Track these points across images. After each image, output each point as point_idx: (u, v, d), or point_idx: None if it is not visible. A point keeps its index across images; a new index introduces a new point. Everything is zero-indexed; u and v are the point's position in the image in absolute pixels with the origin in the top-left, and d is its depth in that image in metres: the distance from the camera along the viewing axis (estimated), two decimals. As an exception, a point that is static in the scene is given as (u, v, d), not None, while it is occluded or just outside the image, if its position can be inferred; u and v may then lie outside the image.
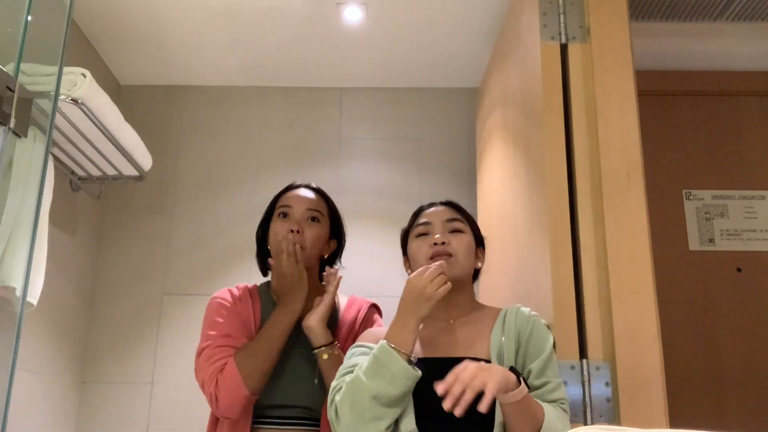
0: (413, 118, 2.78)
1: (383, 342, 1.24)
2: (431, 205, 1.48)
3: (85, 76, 1.88)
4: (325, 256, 1.64)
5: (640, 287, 1.42)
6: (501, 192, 2.08)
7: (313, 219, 1.58)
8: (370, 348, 1.31)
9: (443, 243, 1.36)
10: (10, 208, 1.42)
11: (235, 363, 1.43)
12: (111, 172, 2.31)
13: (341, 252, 1.70)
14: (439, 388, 1.09)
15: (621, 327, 1.40)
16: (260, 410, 1.49)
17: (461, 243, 1.39)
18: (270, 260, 1.54)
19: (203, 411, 1.55)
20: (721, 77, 2.50)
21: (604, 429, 0.95)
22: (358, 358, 1.31)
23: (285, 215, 1.58)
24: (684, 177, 2.41)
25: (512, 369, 1.16)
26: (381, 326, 1.59)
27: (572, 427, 1.18)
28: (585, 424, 1.36)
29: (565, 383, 1.38)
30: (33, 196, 1.42)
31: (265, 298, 1.62)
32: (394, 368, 1.19)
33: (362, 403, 1.19)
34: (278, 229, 1.56)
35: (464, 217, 1.46)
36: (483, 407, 1.06)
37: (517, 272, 1.81)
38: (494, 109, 2.25)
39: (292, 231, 1.52)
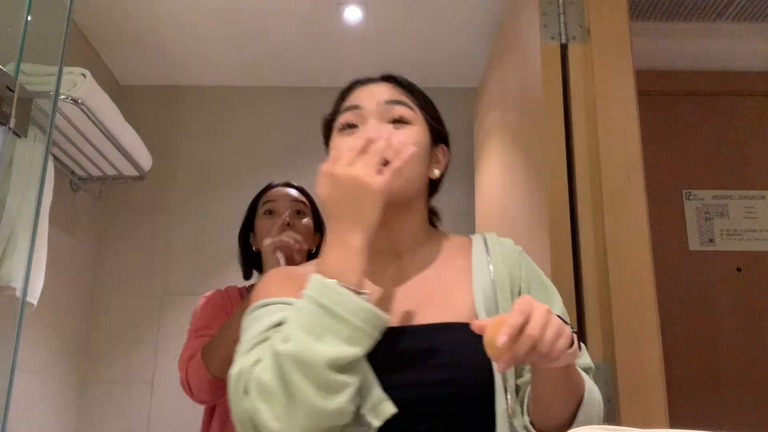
0: (413, 118, 2.78)
1: (318, 278, 0.79)
2: (366, 81, 1.02)
3: (85, 76, 1.88)
4: (313, 250, 1.65)
5: (640, 287, 1.42)
6: (500, 192, 2.08)
7: (299, 213, 1.61)
8: (287, 302, 0.85)
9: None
10: (10, 208, 1.42)
11: (201, 349, 1.46)
12: (111, 172, 2.31)
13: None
14: (491, 326, 0.71)
15: (621, 327, 1.39)
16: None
17: (407, 136, 0.95)
18: (273, 254, 1.47)
19: (203, 411, 1.56)
20: (721, 77, 2.49)
21: (604, 429, 0.95)
22: (273, 316, 0.84)
23: (271, 212, 1.60)
24: (684, 177, 2.41)
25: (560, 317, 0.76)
26: None
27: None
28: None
29: (565, 383, 1.38)
30: (33, 196, 1.42)
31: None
32: (351, 312, 0.76)
33: (309, 376, 0.73)
34: (267, 226, 1.57)
35: (415, 98, 1.02)
36: (528, 362, 0.73)
37: (517, 272, 1.80)
38: (493, 109, 2.25)
39: (289, 225, 1.54)
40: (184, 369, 1.49)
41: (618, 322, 1.40)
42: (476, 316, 0.88)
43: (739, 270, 2.31)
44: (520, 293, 0.94)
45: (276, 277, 0.95)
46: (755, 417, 2.15)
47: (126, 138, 2.16)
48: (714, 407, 2.17)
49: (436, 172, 1.05)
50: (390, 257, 0.97)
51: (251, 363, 0.78)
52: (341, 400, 0.75)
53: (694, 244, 2.35)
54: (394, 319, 0.87)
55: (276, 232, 1.53)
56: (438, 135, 1.07)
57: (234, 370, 0.80)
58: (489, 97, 2.35)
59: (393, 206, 0.89)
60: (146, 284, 2.57)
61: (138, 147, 2.25)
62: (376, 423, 0.78)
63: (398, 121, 0.96)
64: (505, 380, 0.85)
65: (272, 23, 2.40)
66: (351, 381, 0.76)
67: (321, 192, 0.85)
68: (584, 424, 0.82)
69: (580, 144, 1.55)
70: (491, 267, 0.93)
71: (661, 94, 2.45)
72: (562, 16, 1.66)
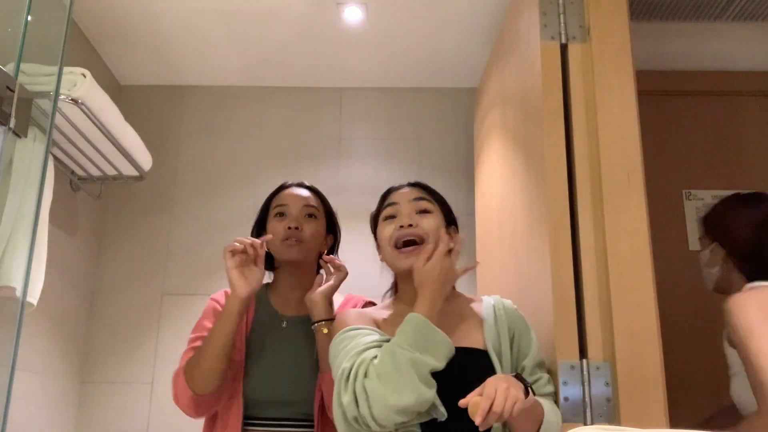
0: (413, 118, 2.78)
1: (417, 315, 1.19)
2: (399, 186, 1.45)
3: (85, 76, 1.88)
4: (324, 252, 1.66)
5: (640, 287, 1.42)
6: (500, 192, 2.08)
7: (310, 216, 1.60)
8: (374, 330, 1.26)
9: (410, 225, 1.33)
10: (10, 208, 1.42)
11: (185, 364, 1.45)
12: (111, 172, 2.31)
13: (337, 246, 1.72)
14: (471, 406, 1.07)
15: (621, 327, 1.40)
16: (251, 409, 1.47)
17: (431, 223, 1.34)
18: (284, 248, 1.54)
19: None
20: (721, 77, 2.50)
21: (604, 429, 0.95)
22: (366, 338, 1.23)
23: (282, 214, 1.59)
24: (684, 177, 2.41)
25: (517, 376, 1.16)
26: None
27: (572, 427, 1.18)
28: (585, 424, 1.36)
29: (565, 383, 1.39)
30: (33, 196, 1.42)
31: (263, 302, 1.61)
32: (436, 340, 1.16)
33: (410, 371, 1.12)
34: (277, 228, 1.57)
35: (432, 196, 1.42)
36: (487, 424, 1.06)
37: (517, 272, 1.81)
38: (493, 108, 2.25)
39: (290, 228, 1.54)
40: (172, 382, 1.48)
41: (618, 322, 1.40)
42: (485, 346, 1.30)
43: (739, 270, 2.31)
44: (515, 336, 1.34)
45: (350, 314, 1.34)
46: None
47: (126, 138, 2.16)
48: (714, 407, 2.17)
49: (452, 245, 1.34)
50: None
51: (370, 357, 1.17)
52: (433, 392, 1.15)
53: (694, 244, 2.35)
54: None
55: (283, 234, 1.55)
56: (449, 220, 1.43)
57: (355, 361, 1.17)
58: (489, 97, 2.35)
59: None
60: (146, 284, 2.57)
61: (138, 147, 2.25)
62: (440, 418, 1.18)
63: (424, 211, 1.37)
64: None
65: (272, 23, 2.40)
66: (434, 384, 1.16)
67: (423, 276, 1.26)
68: None
69: (580, 144, 1.55)
70: (498, 331, 1.33)
71: (661, 94, 2.45)
72: (562, 15, 1.66)
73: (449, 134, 2.76)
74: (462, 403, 1.08)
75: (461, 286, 1.44)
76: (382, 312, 1.39)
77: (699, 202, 2.39)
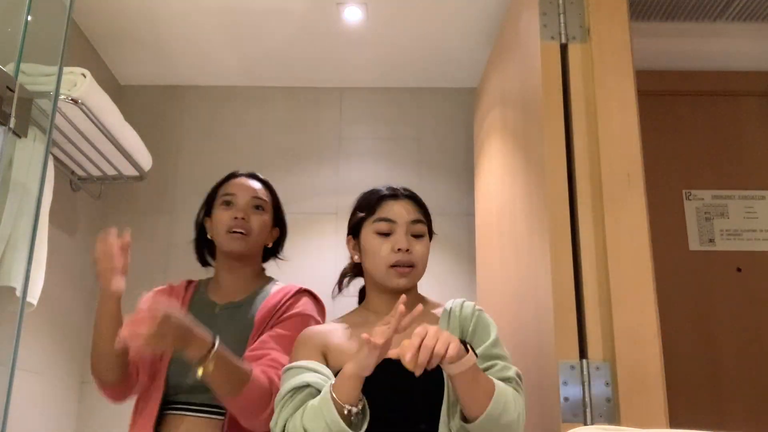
0: (412, 118, 2.78)
1: (327, 391, 1.18)
2: (394, 196, 1.42)
3: (85, 76, 1.88)
4: (269, 245, 1.64)
5: (640, 287, 1.42)
6: (500, 192, 2.08)
7: (258, 207, 1.58)
8: (310, 368, 1.28)
9: (407, 250, 1.36)
10: (10, 208, 1.42)
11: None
12: (111, 172, 2.31)
13: (284, 241, 1.69)
14: (405, 350, 1.08)
15: (621, 327, 1.40)
16: (172, 394, 1.46)
17: (423, 249, 1.39)
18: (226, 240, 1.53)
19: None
20: (721, 77, 2.49)
21: (604, 429, 0.95)
22: (297, 379, 1.26)
23: (229, 203, 1.58)
24: (684, 177, 2.41)
25: (461, 341, 1.15)
26: (307, 313, 1.54)
27: (572, 427, 1.18)
28: (585, 424, 1.36)
29: (565, 383, 1.39)
30: (33, 196, 1.42)
31: (200, 293, 1.61)
32: (329, 419, 1.15)
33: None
34: (222, 217, 1.56)
35: (425, 215, 1.44)
36: (433, 364, 1.08)
37: (517, 272, 1.81)
38: (492, 109, 2.25)
39: (236, 218, 1.53)
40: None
41: (618, 322, 1.40)
42: None
43: (739, 270, 2.31)
44: (468, 334, 1.34)
45: (304, 343, 1.38)
46: (755, 417, 2.15)
47: (126, 138, 2.16)
48: (714, 407, 2.17)
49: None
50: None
51: (282, 414, 1.24)
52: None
53: (694, 244, 2.35)
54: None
55: (229, 224, 1.54)
56: (430, 235, 1.46)
57: (279, 420, 1.23)
58: (489, 97, 2.35)
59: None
60: (146, 284, 2.56)
61: (138, 147, 2.25)
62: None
63: (418, 235, 1.40)
64: (448, 391, 1.25)
65: (272, 23, 2.40)
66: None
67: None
68: (499, 415, 1.16)
69: (580, 144, 1.55)
70: (449, 324, 1.35)
71: (661, 94, 2.45)
72: (562, 16, 1.66)
73: (449, 134, 2.76)
74: (393, 353, 1.10)
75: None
76: (340, 331, 1.39)
77: (699, 202, 2.39)
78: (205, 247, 1.66)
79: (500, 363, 1.28)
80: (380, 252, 1.37)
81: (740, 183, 2.40)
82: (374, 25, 2.41)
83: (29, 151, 1.44)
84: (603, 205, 1.49)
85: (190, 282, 1.67)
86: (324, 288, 2.76)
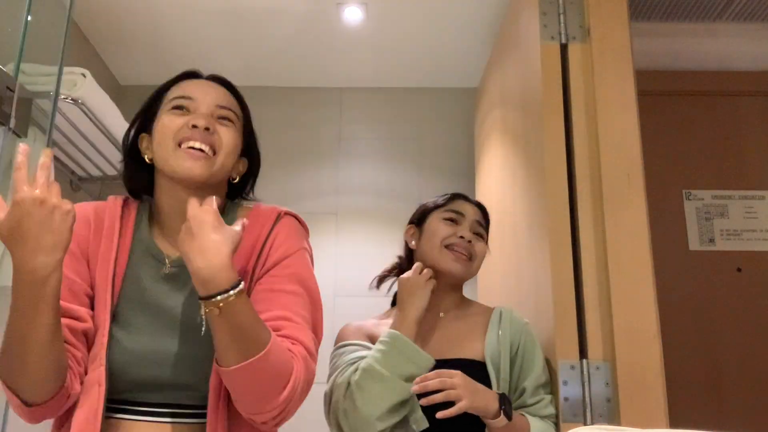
0: (413, 118, 2.78)
1: (392, 332, 1.25)
2: (467, 199, 1.49)
3: (85, 76, 1.88)
4: (234, 180, 1.17)
5: (640, 287, 1.42)
6: (500, 192, 2.08)
7: (224, 119, 1.11)
8: (363, 345, 1.32)
9: (469, 241, 1.39)
10: (10, 208, 1.42)
11: None
12: (111, 172, 2.31)
13: (255, 179, 1.24)
14: (420, 380, 1.19)
15: (621, 327, 1.40)
16: (116, 392, 1.00)
17: (482, 248, 1.44)
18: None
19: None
20: (721, 77, 2.49)
21: (604, 429, 0.95)
22: (353, 355, 1.30)
23: (181, 108, 1.08)
24: (684, 177, 2.41)
25: (502, 396, 1.23)
26: (302, 245, 1.19)
27: (572, 427, 1.18)
28: (585, 424, 1.36)
29: (565, 383, 1.39)
30: (33, 196, 1.41)
31: (141, 232, 1.11)
32: (411, 354, 1.22)
33: (382, 391, 1.20)
34: (172, 124, 1.06)
35: (487, 224, 1.50)
36: (440, 414, 1.16)
37: (517, 272, 1.81)
38: (493, 108, 2.25)
39: (195, 127, 1.05)
40: None
41: (618, 322, 1.40)
42: (484, 357, 1.33)
43: (739, 270, 2.31)
44: (518, 351, 1.35)
45: (349, 328, 1.40)
46: (755, 417, 2.15)
47: (126, 138, 2.16)
48: (714, 407, 2.17)
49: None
50: (434, 318, 1.40)
51: (346, 380, 1.24)
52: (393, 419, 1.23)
53: (694, 244, 2.35)
54: (429, 351, 1.28)
55: (183, 134, 1.05)
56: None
57: (342, 379, 1.25)
58: (489, 97, 2.35)
59: (458, 283, 1.44)
60: (146, 284, 2.57)
61: (138, 147, 2.25)
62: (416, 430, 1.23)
63: (479, 235, 1.47)
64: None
65: (272, 23, 2.40)
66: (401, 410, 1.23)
67: (399, 287, 1.36)
68: None
69: (580, 144, 1.55)
70: (498, 343, 1.34)
71: (661, 94, 2.45)
72: (562, 16, 1.66)
73: (449, 134, 2.76)
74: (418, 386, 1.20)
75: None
76: (381, 324, 1.41)
77: (699, 202, 2.39)
78: (138, 178, 1.13)
79: (545, 399, 1.32)
80: (442, 232, 1.40)
81: (740, 183, 2.40)
82: (374, 25, 2.41)
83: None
84: (603, 205, 1.49)
85: (125, 202, 1.14)
86: (324, 289, 2.75)
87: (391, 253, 1.45)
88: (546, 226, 1.52)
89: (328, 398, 1.29)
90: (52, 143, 2.00)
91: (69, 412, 1.01)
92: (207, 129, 1.06)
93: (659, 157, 2.38)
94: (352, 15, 2.35)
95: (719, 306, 2.27)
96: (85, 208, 1.10)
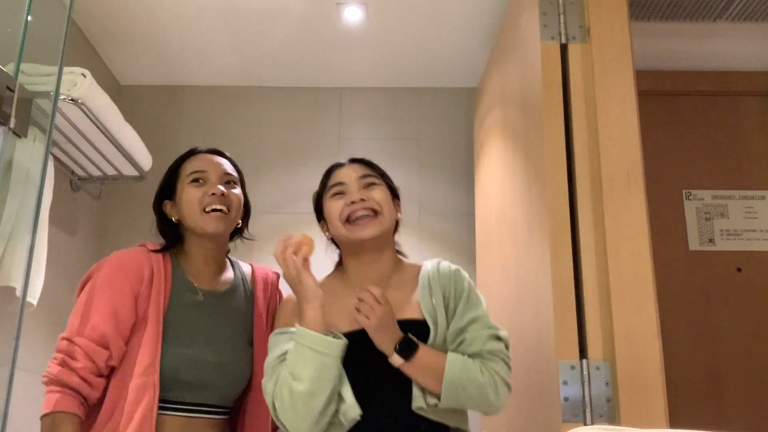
0: (412, 118, 2.78)
1: (298, 329, 1.24)
2: (340, 165, 1.45)
3: (85, 76, 1.88)
4: (239, 225, 1.55)
5: (640, 287, 1.42)
6: (500, 192, 2.08)
7: (230, 183, 1.49)
8: (291, 333, 1.29)
9: (362, 200, 1.35)
10: (10, 208, 1.42)
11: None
12: (111, 172, 2.31)
13: (248, 221, 1.60)
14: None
15: (621, 327, 1.39)
16: (165, 391, 1.32)
17: (380, 195, 1.38)
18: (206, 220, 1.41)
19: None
20: (721, 77, 2.49)
21: (604, 429, 0.95)
22: (282, 348, 1.28)
23: (198, 180, 1.46)
24: (684, 177, 2.41)
25: (405, 338, 1.23)
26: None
27: (572, 427, 1.18)
28: (585, 424, 1.36)
29: (565, 383, 1.39)
30: (33, 196, 1.42)
31: (178, 271, 1.45)
32: (316, 344, 1.20)
33: (299, 406, 1.20)
34: (195, 195, 1.43)
35: (376, 171, 1.45)
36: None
37: (517, 272, 1.81)
38: (493, 108, 2.25)
39: (213, 194, 1.42)
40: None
41: (618, 322, 1.40)
42: (423, 315, 1.31)
43: (739, 270, 2.31)
44: (451, 299, 1.33)
45: (284, 308, 1.39)
46: (755, 417, 2.15)
47: (126, 138, 2.16)
48: (714, 407, 2.17)
49: (398, 215, 1.44)
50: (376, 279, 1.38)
51: (273, 385, 1.24)
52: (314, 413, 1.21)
53: (694, 244, 2.35)
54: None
55: (205, 201, 1.42)
56: (393, 192, 1.46)
57: (270, 382, 1.25)
58: (489, 97, 2.35)
59: (380, 239, 1.37)
60: (146, 284, 2.57)
61: (138, 147, 2.25)
62: (345, 424, 1.22)
63: (371, 185, 1.41)
64: None
65: (272, 23, 2.40)
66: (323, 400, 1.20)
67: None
68: (458, 390, 1.21)
69: (580, 144, 1.55)
70: (433, 300, 1.32)
71: (661, 94, 2.45)
72: (562, 16, 1.66)
73: (449, 134, 2.76)
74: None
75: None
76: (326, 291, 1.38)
77: (699, 202, 2.39)
78: (170, 234, 1.49)
79: (468, 336, 1.28)
80: (334, 211, 1.37)
81: (740, 183, 2.40)
82: (374, 26, 2.41)
83: (29, 151, 1.44)
84: (603, 205, 1.49)
85: (160, 251, 1.46)
86: (324, 288, 2.73)
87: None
88: (546, 226, 1.52)
89: (269, 399, 1.27)
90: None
91: (114, 408, 1.30)
92: (222, 194, 1.44)
93: (659, 157, 2.39)
94: (352, 15, 2.35)
95: (719, 306, 2.27)
96: (140, 258, 1.40)
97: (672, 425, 1.33)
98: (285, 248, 1.29)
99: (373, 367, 1.25)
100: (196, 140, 2.75)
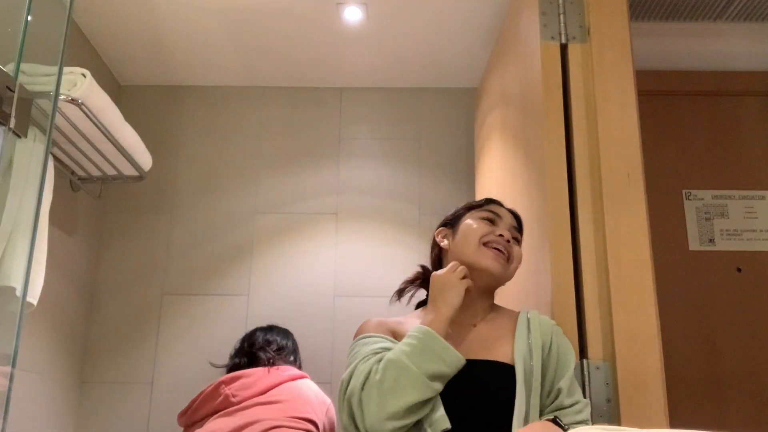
0: (413, 118, 2.78)
1: (424, 327, 1.21)
2: (502, 205, 1.48)
3: (85, 76, 1.88)
4: None
5: (640, 287, 1.42)
6: (500, 192, 2.08)
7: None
8: (387, 338, 1.28)
9: (508, 241, 1.37)
10: (10, 208, 1.42)
11: None
12: (111, 172, 2.31)
13: None
14: None
15: (621, 327, 1.39)
16: None
17: (519, 253, 1.41)
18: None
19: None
20: (721, 77, 2.50)
21: (604, 429, 0.95)
22: (376, 345, 1.26)
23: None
24: (684, 177, 2.41)
25: (555, 420, 1.17)
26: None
27: (572, 427, 1.18)
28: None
29: (565, 383, 1.38)
30: (33, 196, 1.42)
31: None
32: (441, 351, 1.17)
33: (407, 386, 1.13)
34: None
35: (521, 232, 1.47)
36: None
37: (517, 272, 1.80)
38: (493, 108, 2.25)
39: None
40: None
41: (618, 322, 1.40)
42: (513, 360, 1.27)
43: (739, 270, 2.31)
44: (550, 351, 1.30)
45: (370, 323, 1.36)
46: (755, 417, 2.15)
47: (126, 138, 2.16)
48: (714, 407, 2.17)
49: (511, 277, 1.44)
50: (466, 326, 1.37)
51: (367, 369, 1.19)
52: (428, 396, 1.16)
53: (694, 244, 2.35)
54: (465, 355, 1.24)
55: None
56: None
57: (364, 367, 1.20)
58: (489, 97, 2.35)
59: (488, 287, 1.41)
60: (146, 284, 2.57)
61: (138, 147, 2.25)
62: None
63: (515, 239, 1.42)
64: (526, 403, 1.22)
65: (272, 23, 2.40)
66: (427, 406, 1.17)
67: (432, 284, 1.32)
68: None
69: (580, 144, 1.55)
70: (530, 344, 1.29)
71: (661, 94, 2.45)
72: (562, 16, 1.66)
73: (449, 134, 2.76)
74: None
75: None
76: (406, 323, 1.37)
77: (699, 202, 2.39)
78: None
79: (581, 402, 1.24)
80: (480, 230, 1.37)
81: (740, 183, 2.40)
82: (374, 25, 2.41)
83: (29, 151, 1.44)
84: (603, 205, 1.49)
85: None
86: (324, 289, 2.76)
87: (390, 252, 1.44)
88: (546, 226, 1.52)
89: (345, 385, 1.22)
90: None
91: None
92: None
93: (659, 157, 2.39)
94: (352, 15, 2.35)
95: (719, 306, 2.27)
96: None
97: (672, 425, 1.33)
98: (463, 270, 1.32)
99: (469, 397, 1.21)
100: (196, 140, 2.76)
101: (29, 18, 1.20)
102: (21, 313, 1.52)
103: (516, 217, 1.46)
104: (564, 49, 1.63)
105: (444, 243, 1.43)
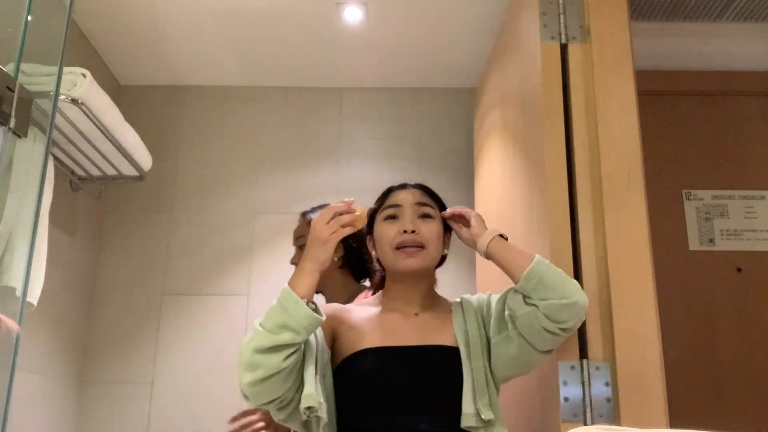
0: (412, 118, 2.78)
1: (284, 286, 1.21)
2: (402, 186, 1.45)
3: (85, 76, 1.88)
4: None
5: (640, 287, 1.42)
6: (500, 192, 2.08)
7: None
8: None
9: (413, 231, 1.35)
10: (10, 208, 1.42)
11: None
12: (111, 172, 2.31)
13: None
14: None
15: (621, 327, 1.39)
16: None
17: (431, 231, 1.38)
18: None
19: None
20: (721, 77, 2.49)
21: (604, 429, 0.95)
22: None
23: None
24: (684, 177, 2.41)
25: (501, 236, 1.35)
26: None
27: (572, 427, 1.18)
28: (585, 424, 1.36)
29: (565, 383, 1.39)
30: (33, 196, 1.42)
31: None
32: (289, 305, 1.16)
33: (258, 334, 1.15)
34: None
35: (435, 201, 1.44)
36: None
37: (517, 272, 1.80)
38: (492, 108, 2.25)
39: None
40: None
41: (618, 322, 1.40)
42: (456, 343, 1.33)
43: (739, 270, 2.31)
44: (489, 309, 1.39)
45: (329, 307, 1.42)
46: (755, 417, 2.15)
47: (126, 138, 2.16)
48: (714, 407, 2.17)
49: (446, 251, 1.45)
50: (408, 315, 1.40)
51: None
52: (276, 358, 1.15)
53: (694, 244, 2.35)
54: (399, 342, 1.32)
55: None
56: (446, 225, 1.45)
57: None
58: (489, 97, 2.35)
59: (421, 273, 1.40)
60: (146, 284, 2.57)
61: (138, 147, 2.25)
62: (302, 409, 1.16)
63: (425, 216, 1.40)
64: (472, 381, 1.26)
65: (272, 23, 2.40)
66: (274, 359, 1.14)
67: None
68: (548, 266, 1.29)
69: (580, 144, 1.55)
70: (466, 323, 1.36)
71: (661, 94, 2.45)
72: (562, 16, 1.66)
73: (449, 134, 2.76)
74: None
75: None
76: (362, 309, 1.42)
77: (699, 202, 2.39)
78: None
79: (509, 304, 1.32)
80: (387, 236, 1.37)
81: (740, 183, 2.40)
82: (374, 26, 2.41)
83: (29, 151, 1.44)
84: (603, 205, 1.48)
85: None
86: (324, 288, 2.73)
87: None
88: (546, 226, 1.52)
89: None
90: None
91: None
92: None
93: (659, 157, 2.38)
94: (352, 15, 2.35)
95: (719, 306, 2.27)
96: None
97: (672, 425, 1.33)
98: (341, 214, 1.28)
99: (409, 384, 1.25)
100: (196, 140, 2.76)
101: (29, 18, 1.20)
102: (21, 313, 1.52)
103: (419, 188, 1.44)
104: (564, 49, 1.63)
105: (374, 253, 1.45)
